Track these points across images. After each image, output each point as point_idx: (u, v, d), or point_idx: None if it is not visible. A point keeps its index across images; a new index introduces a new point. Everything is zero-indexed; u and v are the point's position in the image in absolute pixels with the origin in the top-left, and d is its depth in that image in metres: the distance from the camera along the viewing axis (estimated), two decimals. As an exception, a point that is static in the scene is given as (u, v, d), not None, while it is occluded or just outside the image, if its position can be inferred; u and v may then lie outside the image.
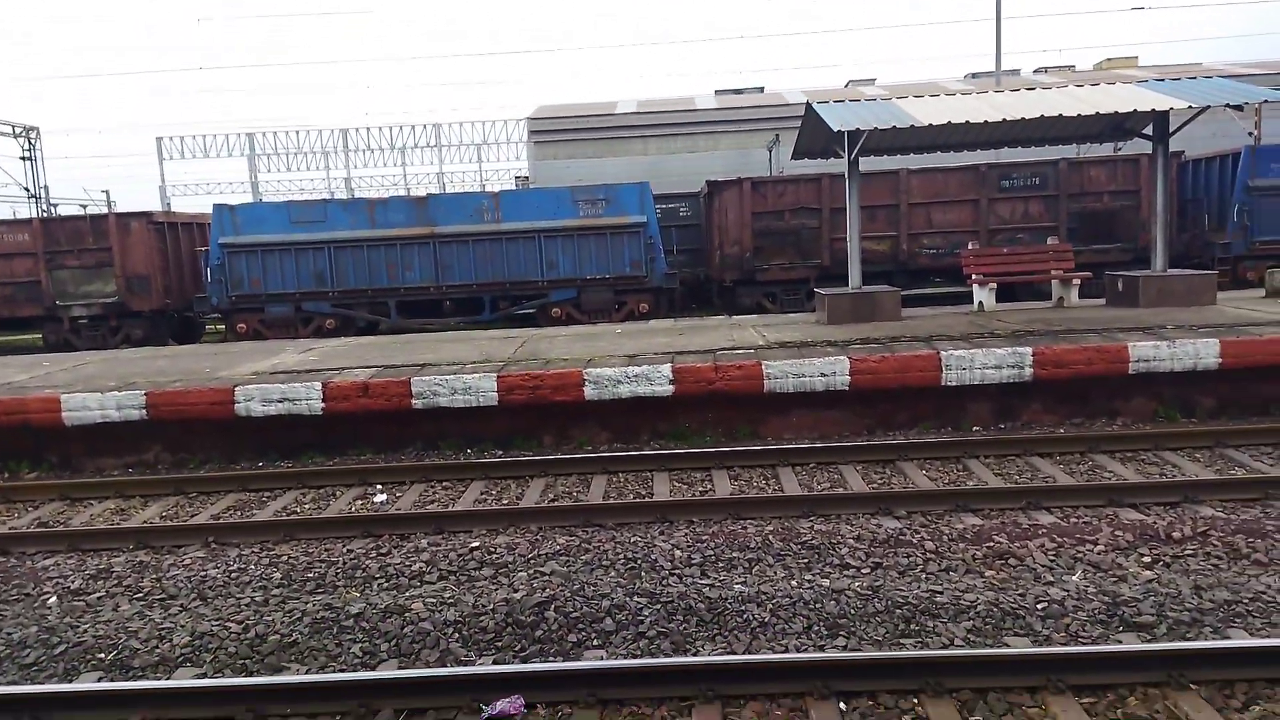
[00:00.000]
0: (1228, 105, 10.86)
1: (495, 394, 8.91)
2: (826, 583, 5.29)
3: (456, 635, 4.80)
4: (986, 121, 10.72)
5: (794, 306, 17.68)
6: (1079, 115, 10.76)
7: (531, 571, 5.68)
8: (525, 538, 6.33)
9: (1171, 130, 11.88)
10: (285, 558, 6.23)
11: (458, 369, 9.46)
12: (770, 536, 6.07)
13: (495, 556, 5.96)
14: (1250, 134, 21.11)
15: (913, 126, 10.80)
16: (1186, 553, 5.44)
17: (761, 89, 34.63)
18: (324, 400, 8.98)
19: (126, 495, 8.17)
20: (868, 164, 14.69)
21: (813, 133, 12.63)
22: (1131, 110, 10.82)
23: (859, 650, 4.45)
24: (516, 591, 5.33)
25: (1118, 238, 17.43)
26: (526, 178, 29.04)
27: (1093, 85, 11.96)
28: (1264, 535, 5.60)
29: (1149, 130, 12.21)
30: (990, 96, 11.93)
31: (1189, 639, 4.41)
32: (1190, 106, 10.68)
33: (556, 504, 7.10)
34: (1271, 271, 12.75)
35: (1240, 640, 4.27)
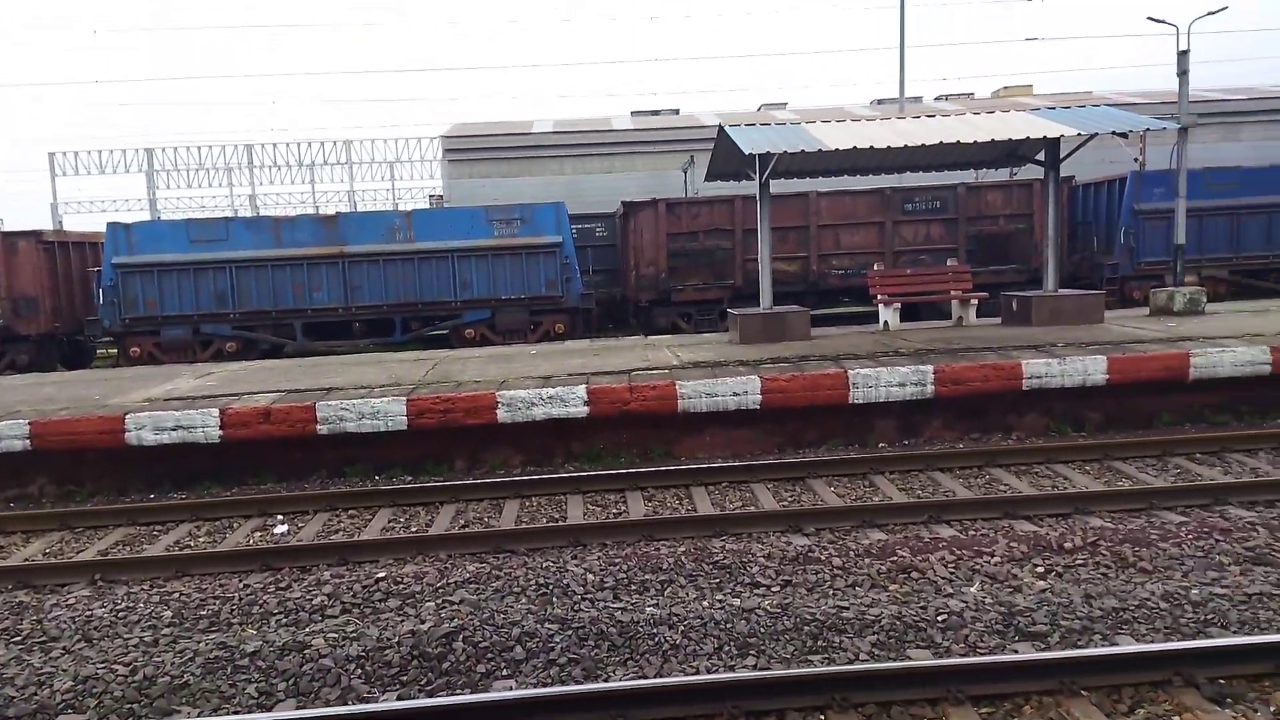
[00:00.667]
0: (1113, 133, 11.49)
1: (405, 418, 8.71)
2: (737, 602, 5.33)
3: (359, 671, 4.65)
4: (890, 146, 11.09)
5: (708, 326, 17.88)
6: (976, 142, 11.23)
7: (440, 601, 5.55)
8: (434, 566, 6.19)
9: (1062, 156, 12.50)
10: (177, 595, 5.94)
11: (366, 393, 9.23)
12: (683, 557, 6.09)
13: (402, 587, 5.80)
14: (1136, 160, 22.36)
15: (820, 150, 11.08)
16: (1077, 562, 5.67)
17: (677, 111, 35.09)
18: (222, 427, 8.63)
19: (6, 531, 7.67)
20: (779, 186, 14.99)
21: (725, 155, 12.85)
22: (1025, 137, 11.35)
23: (768, 669, 4.49)
24: (424, 622, 5.20)
25: (1013, 259, 18.19)
26: (441, 197, 28.67)
27: (989, 113, 12.52)
28: (1149, 544, 5.89)
29: (1042, 156, 12.81)
30: (894, 123, 12.35)
31: (1080, 646, 4.58)
32: (1079, 134, 11.27)
33: (467, 530, 6.97)
34: (1155, 291, 13.52)
35: (1128, 646, 4.45)
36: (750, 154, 11.21)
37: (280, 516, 7.73)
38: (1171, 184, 14.25)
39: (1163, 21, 15.05)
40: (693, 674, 4.47)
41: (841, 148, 10.97)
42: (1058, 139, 11.89)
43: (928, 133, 11.42)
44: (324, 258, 16.79)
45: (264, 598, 5.75)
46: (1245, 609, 4.89)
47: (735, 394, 9.04)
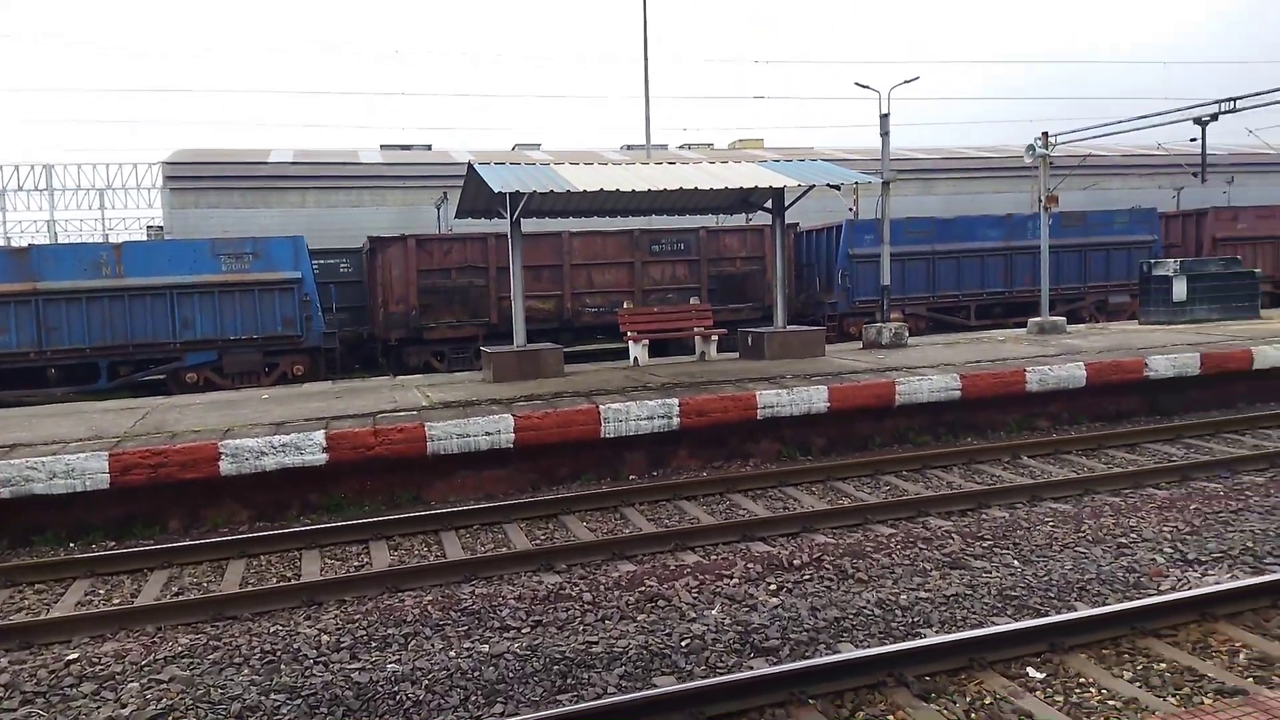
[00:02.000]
0: (828, 185, 12.69)
1: (107, 475, 7.70)
2: (486, 648, 5.17)
3: (36, 774, 3.97)
4: (635, 190, 11.53)
5: (463, 365, 17.53)
6: (712, 189, 11.95)
7: (145, 680, 4.89)
8: (139, 642, 5.47)
9: (786, 205, 13.62)
10: None
11: (59, 448, 8.07)
12: (429, 607, 5.83)
13: (99, 668, 5.07)
14: (850, 209, 24.86)
15: (569, 191, 11.28)
16: (805, 578, 6.07)
17: (429, 146, 34.50)
18: None
19: None
20: (534, 225, 15.09)
21: (476, 193, 12.74)
22: (754, 186, 12.24)
23: (515, 715, 4.37)
24: (125, 707, 4.57)
25: (750, 298, 19.53)
26: (161, 228, 26.07)
27: (724, 163, 13.40)
28: (865, 556, 6.43)
29: (770, 204, 13.88)
30: (638, 168, 12.88)
31: (808, 657, 4.87)
32: (799, 185, 12.33)
33: (180, 599, 6.25)
34: (866, 327, 15.05)
35: (848, 653, 4.80)
36: (501, 192, 11.20)
37: (-58, 599, 6.51)
38: (878, 232, 15.96)
39: (867, 87, 16.92)
40: (436, 730, 4.26)
41: (589, 189, 11.25)
42: (782, 189, 12.95)
43: (668, 178, 12.00)
44: (12, 295, 14.64)
45: (-88, 699, 4.78)
46: (945, 610, 5.45)
47: (488, 433, 8.88)
